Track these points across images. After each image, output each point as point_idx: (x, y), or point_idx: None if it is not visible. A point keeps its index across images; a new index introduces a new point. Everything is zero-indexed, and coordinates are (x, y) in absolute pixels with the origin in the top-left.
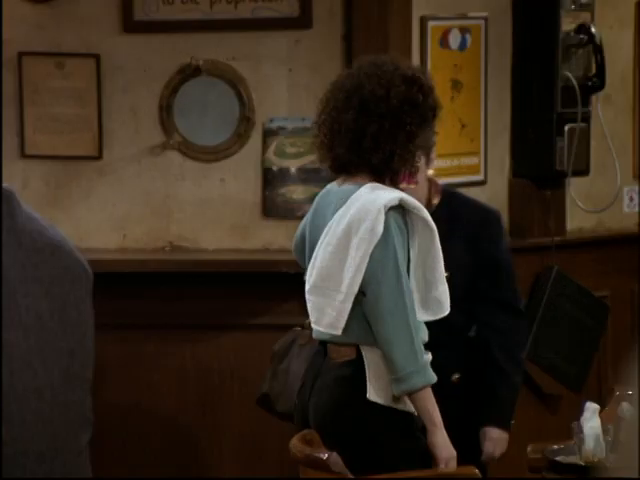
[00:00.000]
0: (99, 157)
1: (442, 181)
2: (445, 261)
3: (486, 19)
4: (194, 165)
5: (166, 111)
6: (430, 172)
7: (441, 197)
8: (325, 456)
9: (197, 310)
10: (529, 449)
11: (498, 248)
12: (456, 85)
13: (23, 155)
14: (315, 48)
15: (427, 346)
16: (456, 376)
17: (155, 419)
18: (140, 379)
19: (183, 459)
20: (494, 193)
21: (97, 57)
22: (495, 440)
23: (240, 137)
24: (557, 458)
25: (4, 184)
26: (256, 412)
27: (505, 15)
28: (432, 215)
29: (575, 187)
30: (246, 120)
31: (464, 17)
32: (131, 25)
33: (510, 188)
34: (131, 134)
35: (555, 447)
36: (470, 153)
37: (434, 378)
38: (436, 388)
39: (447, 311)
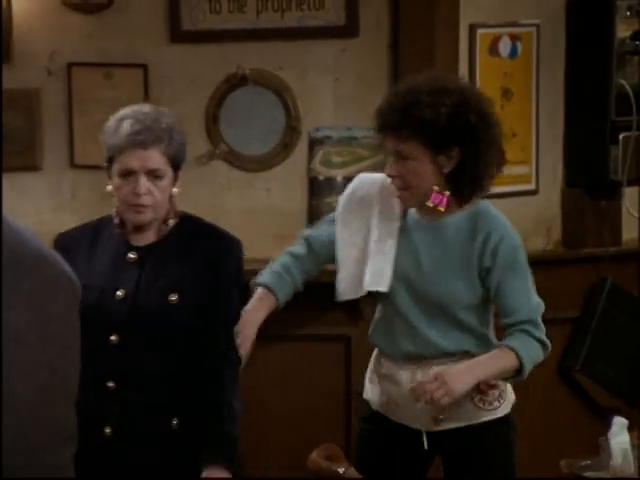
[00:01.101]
0: None
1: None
2: (179, 281)
3: (538, 26)
4: (240, 175)
5: (212, 121)
6: (175, 190)
7: (179, 219)
8: (342, 470)
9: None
10: (562, 463)
11: (231, 286)
12: (506, 93)
13: (72, 165)
14: (361, 57)
15: (129, 388)
16: (175, 421)
17: None
18: None
19: None
20: (546, 203)
21: (144, 67)
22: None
23: (286, 146)
24: (586, 474)
25: None
26: (296, 422)
27: (558, 22)
28: (166, 237)
29: (630, 197)
30: (292, 129)
31: (515, 24)
32: (178, 35)
33: (563, 198)
34: None
35: (585, 463)
36: (521, 162)
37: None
38: (154, 435)
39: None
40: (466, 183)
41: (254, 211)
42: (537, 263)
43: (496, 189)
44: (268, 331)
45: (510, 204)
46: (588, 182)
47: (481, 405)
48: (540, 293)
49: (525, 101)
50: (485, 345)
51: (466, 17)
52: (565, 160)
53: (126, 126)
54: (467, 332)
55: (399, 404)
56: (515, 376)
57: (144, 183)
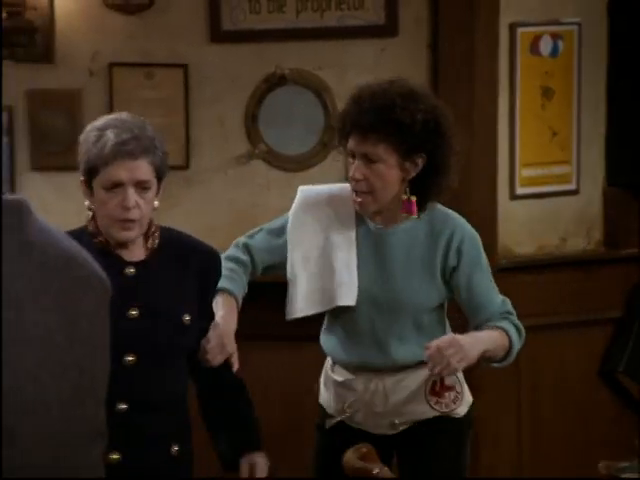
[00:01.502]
0: (186, 167)
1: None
2: (185, 301)
3: (579, 24)
4: (279, 174)
5: (252, 120)
6: (156, 203)
7: (161, 234)
8: (376, 470)
9: (281, 320)
10: (600, 465)
11: (213, 299)
12: (547, 92)
13: None
14: (401, 56)
15: (139, 411)
16: (175, 448)
17: None
18: None
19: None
20: (587, 202)
21: (185, 67)
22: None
23: (325, 146)
24: (624, 475)
25: (17, 195)
26: (307, 422)
27: (600, 20)
28: (157, 251)
29: None
30: (331, 129)
31: (556, 23)
32: (218, 35)
33: (604, 197)
34: (218, 144)
35: (623, 464)
36: (561, 162)
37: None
38: (155, 462)
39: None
40: (430, 191)
41: None
42: (578, 263)
43: (536, 189)
44: (282, 331)
45: (550, 204)
46: (630, 181)
47: (437, 408)
48: (581, 293)
49: (566, 100)
50: None
51: (506, 16)
52: (607, 159)
53: (111, 135)
54: (429, 336)
55: (353, 410)
56: (503, 359)
57: (132, 195)
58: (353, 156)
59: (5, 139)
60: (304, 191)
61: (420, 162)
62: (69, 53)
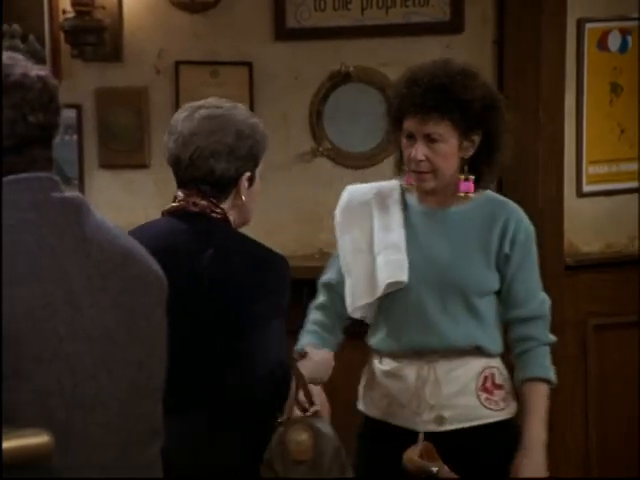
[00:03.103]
0: None
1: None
2: None
3: None
4: (343, 172)
5: (316, 118)
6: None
7: None
8: (435, 469)
9: None
10: None
11: None
12: (615, 89)
13: None
14: (466, 53)
15: None
16: None
17: None
18: None
19: None
20: None
21: (250, 65)
22: None
23: (389, 144)
24: None
25: (75, 193)
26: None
27: None
28: None
29: None
30: None
31: (625, 18)
32: (283, 33)
33: None
34: (282, 141)
35: None
36: (630, 159)
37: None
38: None
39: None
40: (486, 171)
41: None
42: None
43: (604, 186)
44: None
45: (618, 202)
46: None
47: (487, 405)
48: None
49: (635, 96)
50: (495, 341)
51: (574, 11)
52: None
53: None
54: (481, 323)
55: (402, 403)
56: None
57: None
58: (410, 137)
59: (74, 137)
60: (350, 189)
61: (477, 140)
62: (136, 51)
